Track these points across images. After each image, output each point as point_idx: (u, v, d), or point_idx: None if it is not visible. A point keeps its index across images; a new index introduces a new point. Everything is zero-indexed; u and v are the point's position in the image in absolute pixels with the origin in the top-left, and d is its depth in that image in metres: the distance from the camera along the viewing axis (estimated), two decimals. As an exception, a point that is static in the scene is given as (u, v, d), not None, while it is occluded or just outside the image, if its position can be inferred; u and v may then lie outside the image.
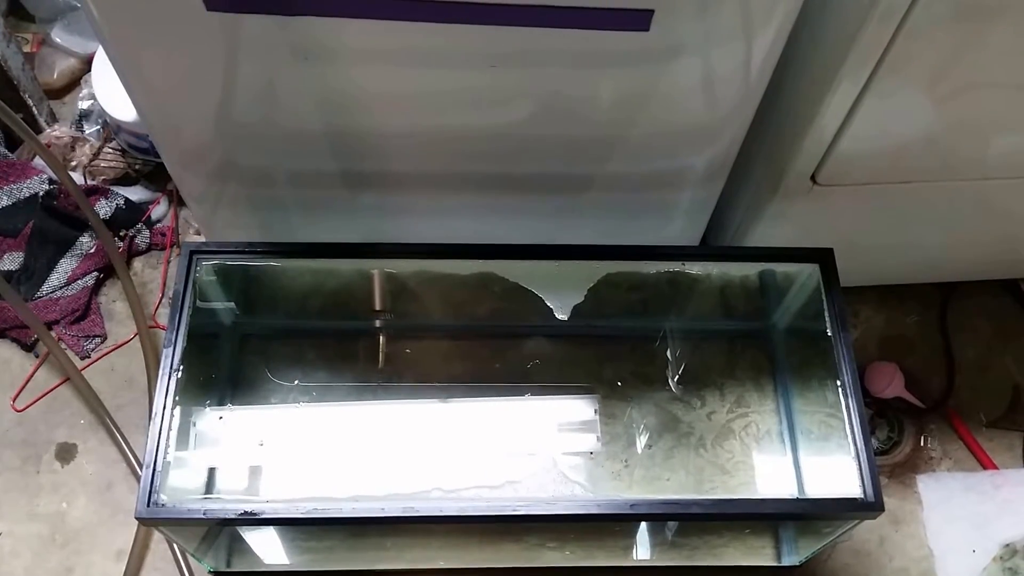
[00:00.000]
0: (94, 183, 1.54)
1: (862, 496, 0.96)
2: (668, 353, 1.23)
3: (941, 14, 0.86)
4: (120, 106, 1.45)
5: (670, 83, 0.96)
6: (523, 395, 1.14)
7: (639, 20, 0.85)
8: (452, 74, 0.94)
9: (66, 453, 1.35)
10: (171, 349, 0.99)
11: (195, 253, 1.05)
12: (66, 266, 1.48)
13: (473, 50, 0.90)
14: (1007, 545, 1.31)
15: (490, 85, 0.95)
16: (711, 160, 1.11)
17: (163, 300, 1.47)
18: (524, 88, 0.97)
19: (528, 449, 1.11)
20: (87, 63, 1.63)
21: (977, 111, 1.02)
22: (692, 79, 0.95)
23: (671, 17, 0.85)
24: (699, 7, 0.85)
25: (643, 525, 1.16)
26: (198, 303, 1.04)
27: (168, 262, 1.51)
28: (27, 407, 1.38)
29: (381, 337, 1.23)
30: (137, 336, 1.43)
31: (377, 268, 1.16)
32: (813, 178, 1.11)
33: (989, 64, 0.94)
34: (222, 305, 1.16)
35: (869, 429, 1.15)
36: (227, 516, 0.93)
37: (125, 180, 1.57)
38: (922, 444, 1.41)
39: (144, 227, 1.53)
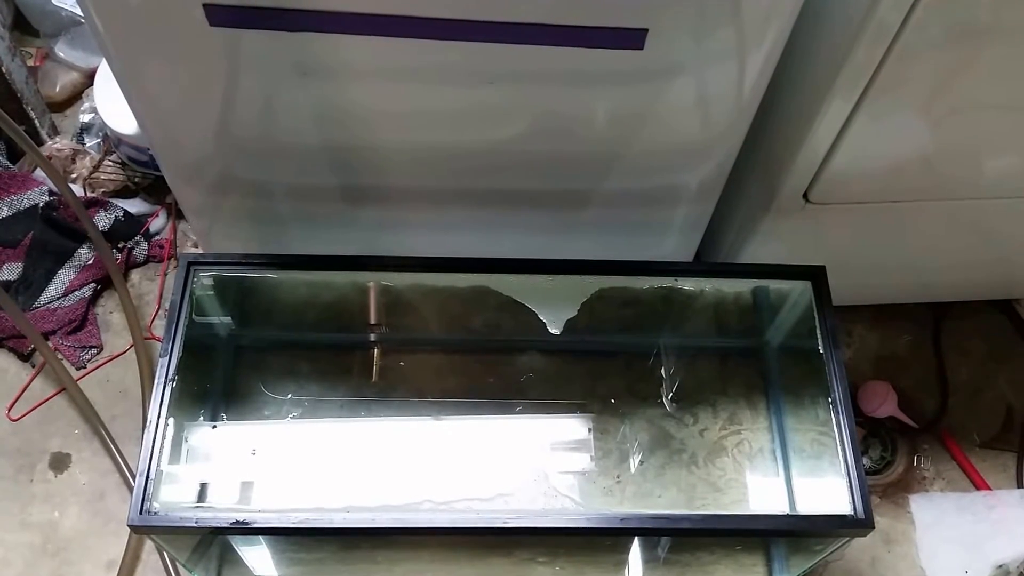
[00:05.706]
0: (94, 195, 1.55)
1: (852, 513, 0.96)
2: (662, 370, 1.23)
3: (932, 35, 0.87)
4: (121, 119, 1.46)
5: (664, 101, 0.97)
6: (516, 409, 1.15)
7: (634, 38, 0.87)
8: (449, 91, 0.95)
9: (60, 463, 1.35)
10: (167, 359, 1.00)
11: (193, 264, 1.06)
12: (64, 277, 1.49)
13: (470, 67, 0.91)
14: (1000, 566, 1.31)
15: (487, 102, 0.97)
16: (704, 177, 1.11)
17: (159, 312, 1.48)
18: (520, 105, 0.98)
19: (521, 466, 1.11)
20: (89, 77, 1.64)
21: (969, 131, 1.02)
22: (686, 97, 0.96)
23: (665, 36, 0.87)
24: (693, 26, 0.87)
25: (635, 541, 1.16)
26: (194, 316, 1.05)
27: (165, 274, 1.52)
28: (22, 416, 1.39)
29: (375, 350, 1.23)
30: (133, 348, 1.43)
31: (373, 281, 1.17)
32: (806, 196, 1.11)
33: (981, 85, 0.95)
34: (218, 318, 1.17)
35: (861, 447, 1.15)
36: (219, 525, 0.93)
37: (124, 193, 1.58)
38: (915, 464, 1.41)
39: (142, 239, 1.53)
